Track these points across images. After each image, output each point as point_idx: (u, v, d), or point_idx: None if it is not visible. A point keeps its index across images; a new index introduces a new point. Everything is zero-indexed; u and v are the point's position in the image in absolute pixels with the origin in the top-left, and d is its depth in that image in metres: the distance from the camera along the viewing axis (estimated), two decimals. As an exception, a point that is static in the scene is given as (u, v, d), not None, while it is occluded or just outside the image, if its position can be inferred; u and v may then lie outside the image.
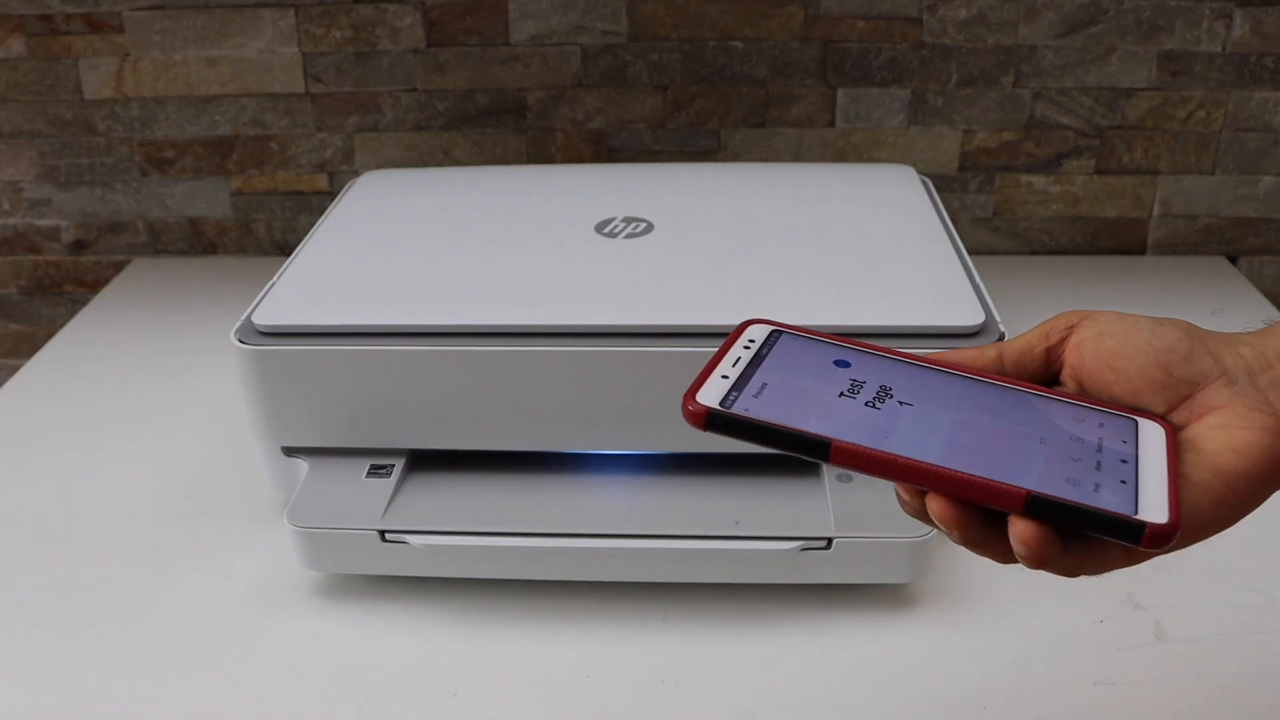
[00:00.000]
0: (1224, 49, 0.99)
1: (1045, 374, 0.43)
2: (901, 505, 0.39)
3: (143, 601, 0.66)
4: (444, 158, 1.07)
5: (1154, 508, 0.35)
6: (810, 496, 0.65)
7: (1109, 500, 0.35)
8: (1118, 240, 1.09)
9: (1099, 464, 0.37)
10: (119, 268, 1.13)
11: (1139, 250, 1.09)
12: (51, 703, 0.60)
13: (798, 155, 1.05)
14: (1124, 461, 0.37)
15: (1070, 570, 0.36)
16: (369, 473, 0.67)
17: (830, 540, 0.61)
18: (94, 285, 1.15)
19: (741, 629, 0.64)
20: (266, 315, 0.65)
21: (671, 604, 0.65)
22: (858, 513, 0.63)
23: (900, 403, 0.39)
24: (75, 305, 1.14)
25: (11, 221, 1.12)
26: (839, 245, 0.72)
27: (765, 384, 0.40)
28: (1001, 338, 0.62)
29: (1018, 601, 0.65)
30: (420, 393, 0.64)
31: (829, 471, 0.65)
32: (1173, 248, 1.09)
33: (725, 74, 1.02)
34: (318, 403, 0.65)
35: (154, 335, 0.98)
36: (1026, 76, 1.01)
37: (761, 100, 1.03)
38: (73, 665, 0.62)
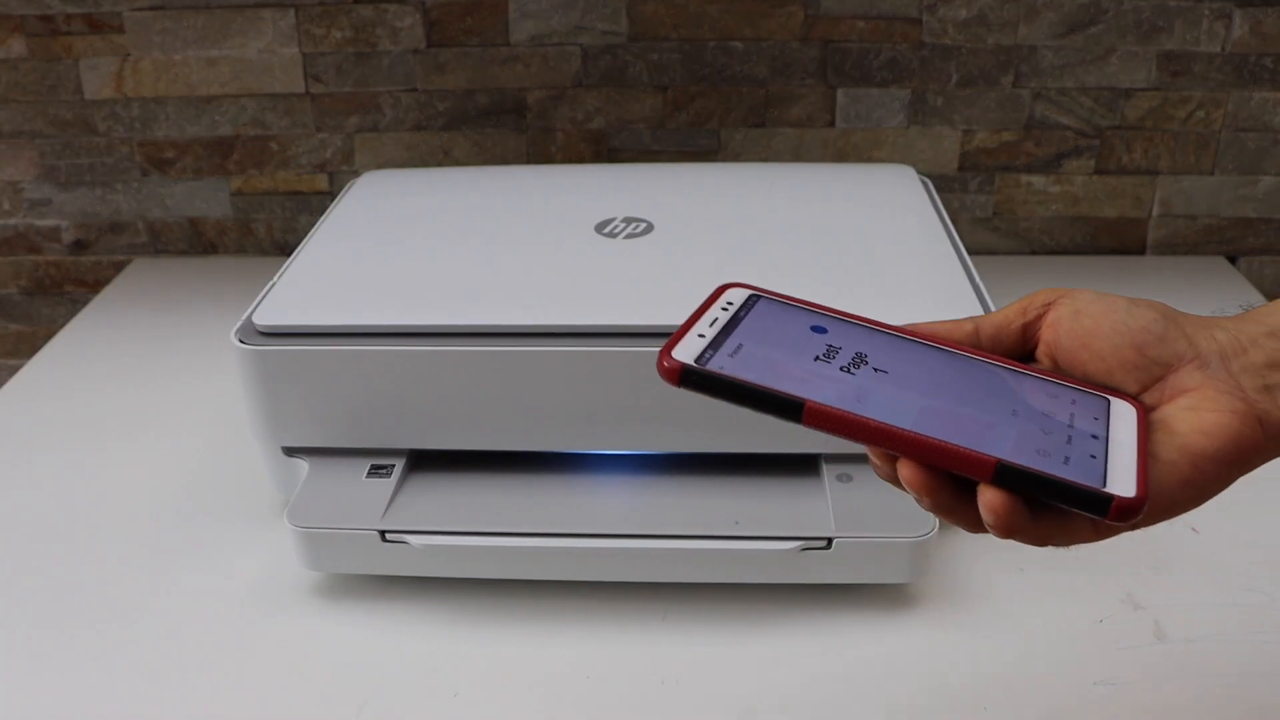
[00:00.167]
0: (1224, 49, 0.99)
1: (1021, 350, 0.43)
2: (875, 470, 0.39)
3: (143, 601, 0.66)
4: (444, 158, 1.07)
5: (1122, 482, 0.35)
6: (810, 496, 0.65)
7: (1077, 472, 0.35)
8: (1117, 240, 1.09)
9: (1069, 438, 0.37)
10: (119, 268, 1.13)
11: (1139, 250, 1.09)
12: (51, 703, 0.60)
13: (798, 155, 1.05)
14: (1094, 437, 0.37)
15: (1038, 539, 0.37)
16: (369, 473, 0.67)
17: (830, 540, 0.61)
18: (94, 285, 1.15)
19: (741, 629, 0.64)
20: (267, 315, 0.65)
21: (671, 604, 0.65)
22: (858, 513, 0.63)
23: (875, 369, 0.39)
24: (75, 305, 1.14)
25: (12, 221, 1.12)
26: (839, 245, 0.72)
27: (741, 344, 0.40)
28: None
29: (1018, 601, 0.65)
30: (420, 393, 0.64)
31: (829, 471, 0.65)
32: (1172, 248, 1.09)
33: (725, 74, 1.02)
34: (318, 403, 0.65)
35: (154, 335, 0.98)
36: (1026, 76, 1.01)
37: (761, 100, 1.03)
38: (73, 665, 0.62)
